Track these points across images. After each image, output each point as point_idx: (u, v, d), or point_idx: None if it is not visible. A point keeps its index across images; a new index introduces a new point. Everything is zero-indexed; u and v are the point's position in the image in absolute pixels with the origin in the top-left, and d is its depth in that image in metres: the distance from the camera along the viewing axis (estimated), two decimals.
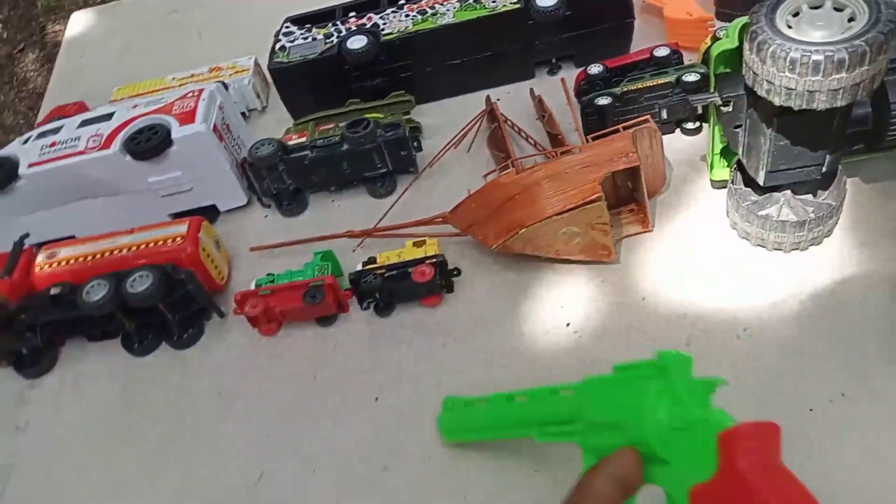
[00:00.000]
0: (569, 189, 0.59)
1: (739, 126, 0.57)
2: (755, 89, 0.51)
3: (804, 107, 0.48)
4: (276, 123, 0.86)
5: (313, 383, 0.62)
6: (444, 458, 0.55)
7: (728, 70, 0.57)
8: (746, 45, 0.50)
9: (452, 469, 0.54)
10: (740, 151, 0.59)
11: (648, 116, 0.62)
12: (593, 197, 0.58)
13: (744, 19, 0.53)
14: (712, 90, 0.58)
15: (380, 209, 0.73)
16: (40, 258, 0.68)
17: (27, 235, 0.70)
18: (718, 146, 0.63)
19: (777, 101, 0.49)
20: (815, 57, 0.46)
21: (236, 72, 0.87)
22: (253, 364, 0.65)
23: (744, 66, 0.51)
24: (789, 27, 0.49)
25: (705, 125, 0.71)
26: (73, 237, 0.74)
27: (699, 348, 0.56)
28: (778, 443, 0.33)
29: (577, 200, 0.58)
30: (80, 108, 0.89)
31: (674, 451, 0.35)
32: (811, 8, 0.50)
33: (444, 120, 0.81)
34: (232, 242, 0.75)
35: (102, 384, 0.67)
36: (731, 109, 0.56)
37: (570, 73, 0.79)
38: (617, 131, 0.61)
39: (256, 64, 0.89)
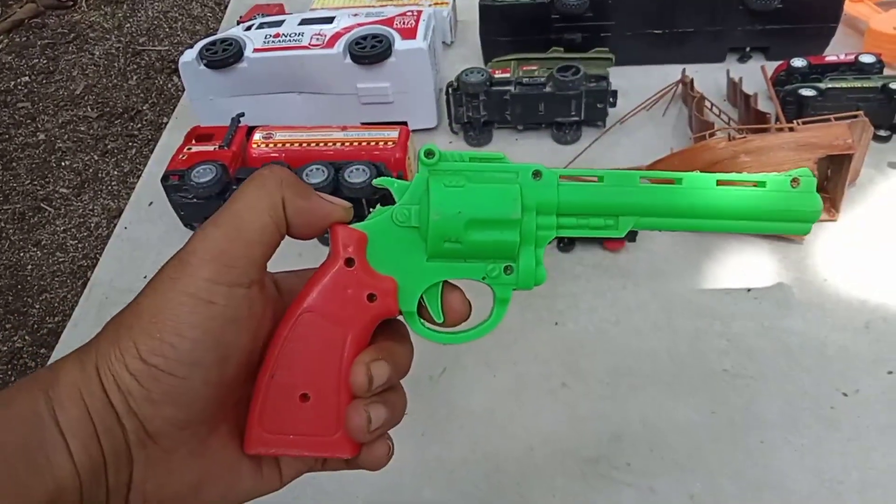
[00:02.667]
0: (782, 163, 0.62)
1: None
2: None
3: None
4: (462, 59, 0.91)
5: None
6: (621, 384, 0.59)
7: None
8: None
9: (630, 394, 0.58)
10: None
11: (861, 112, 0.65)
12: None
13: None
14: None
15: (561, 155, 0.77)
16: (257, 136, 0.73)
17: (243, 114, 0.75)
18: None
19: None
20: None
21: (437, 3, 0.91)
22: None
23: None
24: None
25: (895, 135, 0.74)
26: None
27: (877, 332, 0.60)
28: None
29: None
30: (280, 10, 0.94)
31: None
32: None
33: (630, 85, 0.84)
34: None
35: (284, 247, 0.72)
36: None
37: (756, 64, 0.83)
38: (828, 120, 0.64)
39: None
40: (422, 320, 0.37)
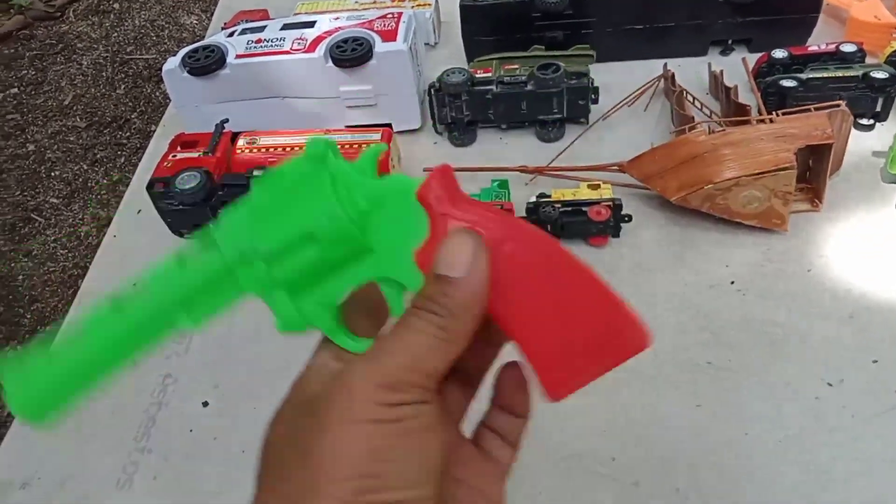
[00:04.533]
0: (762, 155, 0.62)
1: None
2: None
3: None
4: (445, 60, 0.91)
5: None
6: (605, 378, 0.59)
7: None
8: None
9: (614, 389, 0.58)
10: None
11: (841, 101, 0.65)
12: (786, 165, 0.61)
13: None
14: None
15: (545, 152, 0.78)
16: (241, 142, 0.73)
17: (227, 120, 0.76)
18: None
19: None
20: None
21: (418, 5, 0.91)
22: None
23: None
24: None
25: (879, 124, 0.74)
26: None
27: (862, 322, 0.60)
28: (455, 178, 0.32)
29: (770, 166, 0.61)
30: (264, 15, 0.94)
31: (377, 234, 0.32)
32: None
33: (614, 80, 0.84)
34: (403, 163, 0.80)
35: None
36: None
37: (739, 57, 0.83)
38: (808, 111, 0.65)
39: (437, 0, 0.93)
40: None
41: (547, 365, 0.32)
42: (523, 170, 0.74)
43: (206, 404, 0.62)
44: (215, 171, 0.71)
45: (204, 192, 0.68)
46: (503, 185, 0.72)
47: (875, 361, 0.57)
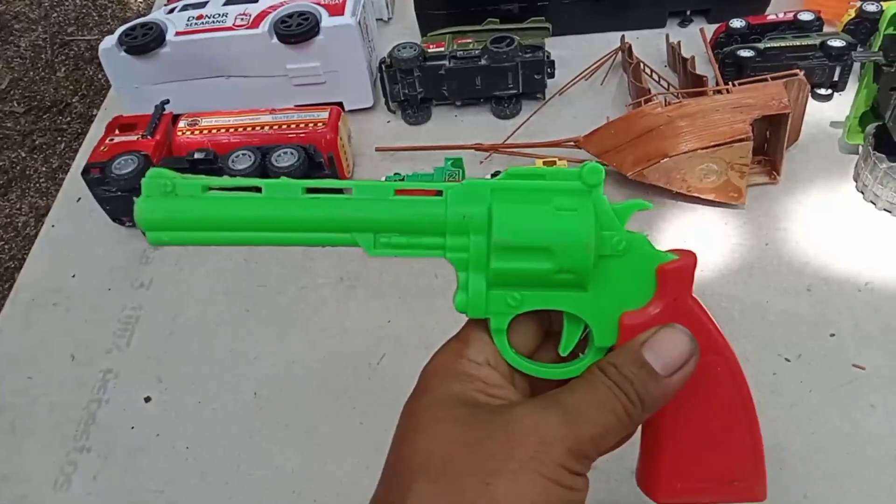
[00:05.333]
0: (718, 126, 0.60)
1: (895, 89, 0.59)
2: None
3: None
4: (400, 36, 0.88)
5: (434, 280, 0.65)
6: None
7: None
8: None
9: None
10: (888, 114, 0.60)
11: (798, 70, 0.63)
12: (743, 136, 0.60)
13: None
14: (876, 49, 0.59)
15: (501, 129, 0.75)
16: (182, 124, 0.70)
17: (167, 101, 0.72)
18: (860, 109, 0.64)
19: None
20: None
21: None
22: (375, 257, 0.67)
23: None
24: None
25: (836, 94, 0.73)
26: None
27: (820, 294, 0.59)
28: (694, 275, 0.33)
29: (726, 137, 0.60)
30: None
31: (600, 278, 0.32)
32: None
33: (571, 54, 0.82)
34: (354, 142, 0.77)
35: (224, 255, 0.69)
36: (893, 70, 0.58)
37: (697, 28, 0.81)
38: (764, 80, 0.63)
39: None
40: None
41: (672, 468, 0.34)
42: (478, 147, 0.72)
43: (148, 399, 0.60)
44: (155, 154, 0.67)
45: (142, 177, 0.65)
46: (457, 163, 0.69)
47: (832, 335, 0.56)
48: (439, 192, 0.32)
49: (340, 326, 0.62)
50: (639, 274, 0.32)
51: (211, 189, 0.32)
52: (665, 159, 0.61)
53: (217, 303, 0.65)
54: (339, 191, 0.32)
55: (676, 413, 0.33)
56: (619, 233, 0.32)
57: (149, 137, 0.68)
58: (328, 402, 0.58)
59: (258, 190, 0.32)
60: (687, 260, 0.33)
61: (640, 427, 0.34)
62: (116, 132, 0.70)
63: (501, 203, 0.31)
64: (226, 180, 0.32)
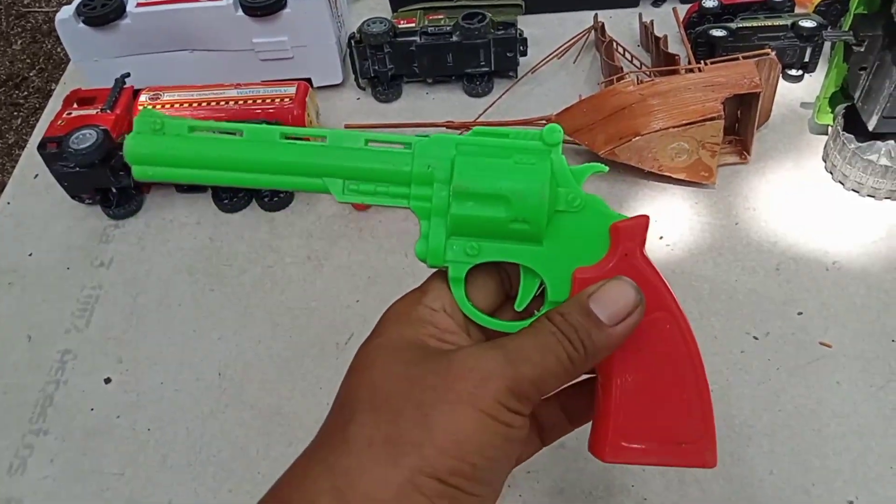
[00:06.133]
0: (690, 105, 0.60)
1: (865, 68, 0.59)
2: None
3: None
4: (370, 11, 0.86)
5: (403, 259, 0.64)
6: None
7: (866, 11, 0.59)
8: None
9: None
10: (857, 94, 0.61)
11: (769, 49, 0.63)
12: (714, 115, 0.59)
13: None
14: (846, 29, 0.59)
15: (472, 108, 0.74)
16: (143, 98, 0.68)
17: (128, 74, 0.70)
18: (830, 90, 0.64)
19: None
20: None
21: None
22: (342, 234, 0.66)
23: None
24: None
25: (807, 75, 0.73)
26: None
27: (788, 273, 0.59)
28: (646, 235, 0.35)
29: (698, 116, 0.60)
30: None
31: (555, 234, 0.34)
32: None
33: (543, 33, 0.81)
34: (322, 120, 0.76)
35: (189, 232, 0.68)
36: (863, 49, 0.58)
37: (670, 8, 0.81)
38: (736, 59, 0.63)
39: None
40: None
41: (619, 426, 0.34)
42: (450, 125, 0.71)
43: (108, 381, 0.58)
44: (114, 129, 0.65)
45: (101, 152, 0.63)
46: None
47: (800, 313, 0.56)
48: (408, 146, 0.34)
49: (307, 306, 0.61)
50: (593, 232, 0.34)
51: (196, 131, 0.34)
52: (637, 138, 0.61)
53: (180, 282, 0.64)
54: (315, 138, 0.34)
55: (623, 369, 0.34)
56: (574, 190, 0.33)
57: (108, 112, 0.66)
58: (294, 382, 0.56)
59: (239, 134, 0.34)
60: (639, 219, 0.34)
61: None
62: (75, 106, 0.68)
63: (464, 155, 0.33)
64: (210, 123, 0.35)
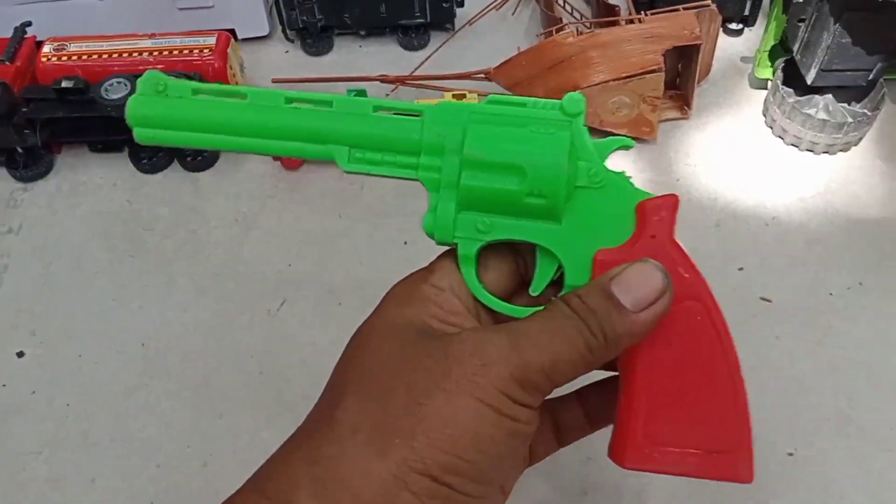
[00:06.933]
0: (630, 57, 0.58)
1: (804, 20, 0.58)
2: None
3: None
4: None
5: (338, 220, 0.61)
6: None
7: None
8: None
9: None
10: (796, 47, 0.60)
11: (710, 2, 0.62)
12: (654, 67, 0.58)
13: None
14: None
15: (408, 61, 0.71)
16: (47, 48, 0.62)
17: (29, 23, 0.64)
18: (769, 44, 0.64)
19: None
20: None
21: None
22: (272, 195, 0.63)
23: None
24: None
25: (747, 29, 0.72)
26: None
27: (728, 230, 0.59)
28: (676, 216, 0.32)
29: (638, 69, 0.58)
30: None
31: (576, 212, 0.31)
32: None
33: None
34: (248, 74, 0.71)
35: (105, 195, 0.63)
36: (801, 1, 0.57)
37: None
38: (677, 10, 0.61)
39: None
40: None
41: (643, 430, 0.30)
42: (384, 79, 0.68)
43: (21, 354, 0.54)
44: (14, 82, 0.60)
45: (1, 108, 0.57)
46: (361, 94, 0.65)
47: (741, 269, 0.56)
48: (419, 114, 0.32)
49: (235, 271, 0.58)
50: (617, 210, 0.31)
51: (199, 93, 0.32)
52: (577, 91, 0.59)
53: (95, 248, 0.59)
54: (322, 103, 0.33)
55: (649, 365, 0.30)
56: (596, 165, 0.31)
57: (7, 63, 0.60)
58: (223, 352, 0.53)
59: (244, 97, 0.32)
60: (668, 198, 0.31)
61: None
62: None
63: (478, 123, 0.31)
64: (214, 86, 0.34)
